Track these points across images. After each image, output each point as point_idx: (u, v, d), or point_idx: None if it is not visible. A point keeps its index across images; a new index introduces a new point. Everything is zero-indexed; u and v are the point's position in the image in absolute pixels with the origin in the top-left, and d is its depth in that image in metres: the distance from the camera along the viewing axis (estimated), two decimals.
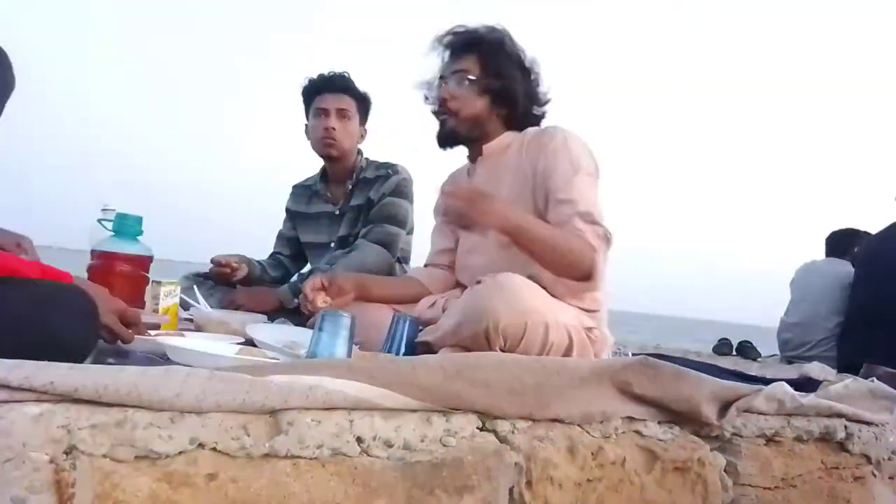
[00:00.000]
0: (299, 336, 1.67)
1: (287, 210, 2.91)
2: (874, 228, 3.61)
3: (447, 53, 1.94)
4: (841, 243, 3.98)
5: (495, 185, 1.91)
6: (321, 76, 2.72)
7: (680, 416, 1.37)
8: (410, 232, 2.71)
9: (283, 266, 2.86)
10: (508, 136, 1.94)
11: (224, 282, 2.62)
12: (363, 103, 2.73)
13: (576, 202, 1.73)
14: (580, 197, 1.74)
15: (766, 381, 2.22)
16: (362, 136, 2.76)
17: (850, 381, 1.66)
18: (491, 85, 1.87)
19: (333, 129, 2.63)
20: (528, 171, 1.84)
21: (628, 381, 1.30)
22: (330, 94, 2.67)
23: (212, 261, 2.64)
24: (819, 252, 4.13)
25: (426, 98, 2.01)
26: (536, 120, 1.98)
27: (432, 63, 1.97)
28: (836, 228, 4.11)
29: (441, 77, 1.95)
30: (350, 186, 2.71)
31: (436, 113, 1.94)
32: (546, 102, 1.99)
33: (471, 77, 1.87)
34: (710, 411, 1.37)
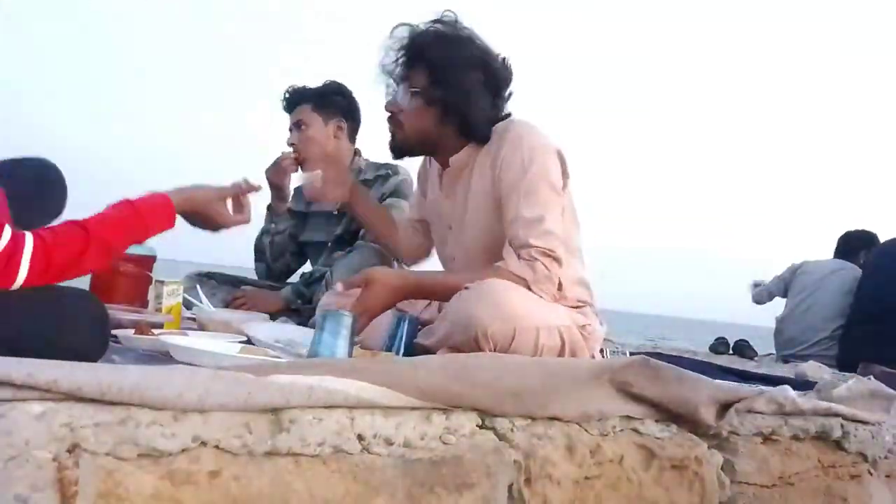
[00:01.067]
0: (299, 335, 1.68)
1: (288, 210, 2.92)
2: (877, 228, 3.62)
3: (397, 55, 1.85)
4: (853, 246, 3.95)
5: (461, 201, 1.88)
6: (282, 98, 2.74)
7: (677, 417, 1.38)
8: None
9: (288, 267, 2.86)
10: (469, 149, 1.85)
11: (233, 284, 2.63)
12: (320, 100, 2.68)
13: (523, 223, 1.70)
14: (528, 212, 1.70)
15: (764, 378, 2.22)
16: (340, 129, 2.69)
17: (852, 383, 1.66)
18: (437, 97, 1.79)
19: (293, 144, 2.64)
20: (489, 184, 1.80)
21: (628, 381, 1.31)
22: (289, 114, 2.69)
23: (266, 172, 2.66)
24: (813, 252, 4.12)
25: (385, 85, 1.91)
26: (500, 119, 1.87)
27: (386, 48, 1.86)
28: (851, 229, 4.07)
29: (394, 78, 1.86)
30: None
31: (388, 120, 1.88)
32: (509, 97, 1.88)
33: (415, 90, 1.80)
34: (708, 414, 1.38)
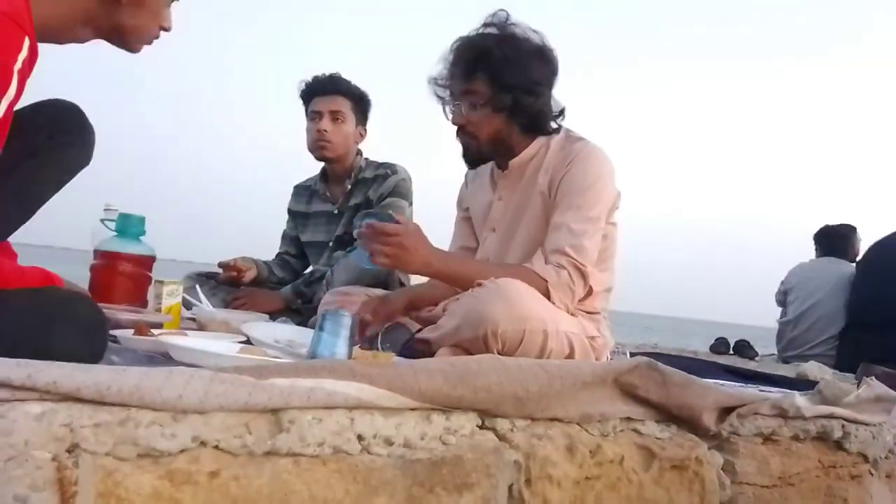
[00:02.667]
0: (298, 335, 1.67)
1: (288, 211, 2.92)
2: (867, 225, 3.62)
3: (454, 70, 1.87)
4: (838, 242, 3.96)
5: (516, 202, 1.89)
6: (315, 79, 2.70)
7: (678, 419, 1.38)
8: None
9: (289, 266, 2.86)
10: (535, 146, 1.89)
11: (232, 283, 2.63)
12: (359, 103, 2.71)
13: (565, 231, 1.73)
14: (572, 225, 1.73)
15: (767, 377, 2.22)
16: (361, 136, 2.74)
17: (862, 391, 1.65)
18: (503, 102, 1.81)
19: (326, 131, 2.62)
20: (546, 190, 1.82)
21: (634, 383, 1.31)
22: (322, 97, 2.66)
23: (219, 265, 2.66)
24: (810, 251, 4.11)
25: (438, 97, 1.96)
26: (557, 114, 1.91)
27: (443, 63, 1.90)
28: (825, 225, 4.08)
29: (452, 94, 1.89)
30: (349, 186, 2.71)
31: (457, 135, 1.89)
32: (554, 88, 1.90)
33: (483, 100, 1.82)
34: (711, 420, 1.38)
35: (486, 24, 1.85)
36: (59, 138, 1.19)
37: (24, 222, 1.33)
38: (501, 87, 1.80)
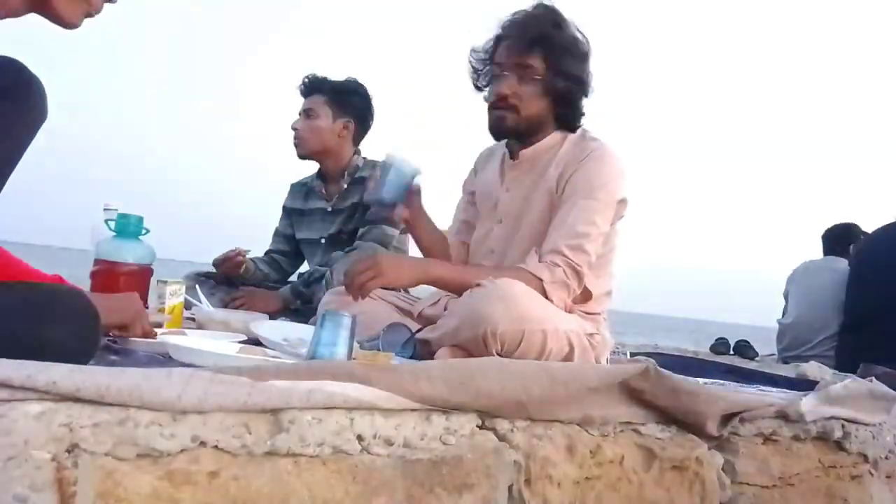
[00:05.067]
0: (303, 333, 1.67)
1: (284, 207, 2.91)
2: (871, 225, 3.60)
3: (507, 41, 1.83)
4: (838, 240, 3.96)
5: (524, 193, 1.87)
6: (301, 83, 2.77)
7: (680, 422, 1.38)
8: (405, 231, 2.69)
9: (276, 264, 2.85)
10: (553, 138, 1.87)
11: (230, 283, 2.63)
12: (336, 96, 2.71)
13: (566, 231, 1.72)
14: (574, 225, 1.72)
15: (766, 377, 2.22)
16: (346, 128, 2.70)
17: (849, 382, 1.66)
18: (557, 86, 1.79)
19: (296, 129, 2.69)
20: (554, 185, 1.80)
21: (643, 388, 1.31)
22: (304, 100, 2.74)
23: (213, 263, 2.66)
24: (815, 251, 4.10)
25: (474, 71, 1.91)
26: (581, 114, 1.89)
27: (484, 36, 1.87)
28: (832, 225, 4.08)
29: (497, 64, 1.84)
30: (345, 185, 2.71)
31: (492, 105, 1.85)
32: (591, 92, 1.89)
33: (537, 76, 1.79)
34: (714, 426, 1.38)
35: (536, 6, 1.83)
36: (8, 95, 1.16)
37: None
38: (556, 71, 1.78)
